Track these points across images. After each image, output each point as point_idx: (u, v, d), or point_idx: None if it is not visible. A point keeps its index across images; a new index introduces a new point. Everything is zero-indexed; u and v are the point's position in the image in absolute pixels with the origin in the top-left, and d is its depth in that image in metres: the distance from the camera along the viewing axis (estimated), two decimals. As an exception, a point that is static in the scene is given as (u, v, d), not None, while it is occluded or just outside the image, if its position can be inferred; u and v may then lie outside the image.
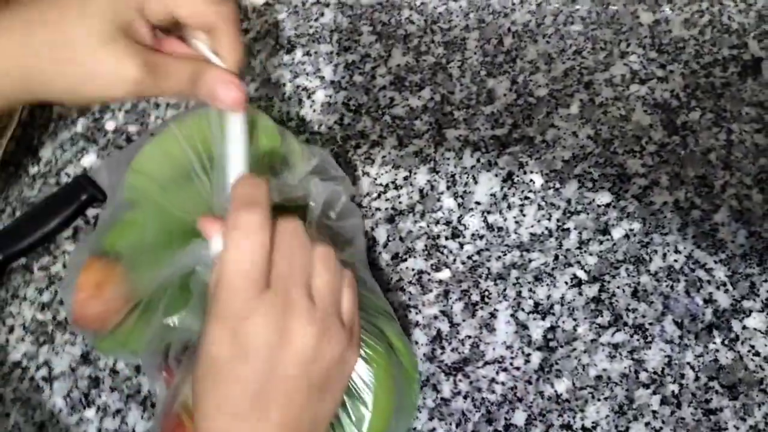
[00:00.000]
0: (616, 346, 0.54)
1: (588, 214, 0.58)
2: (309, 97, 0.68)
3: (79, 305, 0.49)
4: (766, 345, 0.52)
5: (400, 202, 0.62)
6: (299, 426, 0.36)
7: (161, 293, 0.45)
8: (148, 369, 0.49)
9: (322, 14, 0.73)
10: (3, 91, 0.37)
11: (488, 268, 0.58)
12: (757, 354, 0.52)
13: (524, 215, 0.59)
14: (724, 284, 0.55)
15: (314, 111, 0.67)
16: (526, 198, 0.60)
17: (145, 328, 0.46)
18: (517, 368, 0.54)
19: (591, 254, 0.57)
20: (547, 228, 0.59)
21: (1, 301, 0.64)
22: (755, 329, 0.53)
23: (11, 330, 0.62)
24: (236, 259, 0.34)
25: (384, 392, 0.46)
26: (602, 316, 0.55)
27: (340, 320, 0.37)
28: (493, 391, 0.54)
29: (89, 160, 0.68)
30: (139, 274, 0.46)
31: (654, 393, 0.52)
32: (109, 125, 0.70)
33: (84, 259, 0.49)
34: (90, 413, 0.58)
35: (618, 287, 0.55)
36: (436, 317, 0.57)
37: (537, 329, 0.55)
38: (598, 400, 0.52)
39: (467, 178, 0.62)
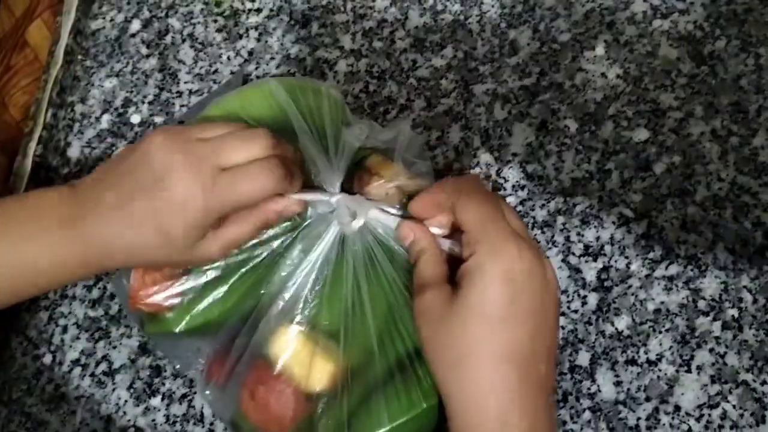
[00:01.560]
0: (671, 279, 0.54)
1: (627, 152, 0.59)
2: (331, 68, 0.68)
3: (137, 281, 0.49)
4: (819, 261, 0.53)
5: (436, 162, 0.62)
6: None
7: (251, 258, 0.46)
8: (185, 356, 0.49)
9: (333, -15, 0.73)
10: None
11: (533, 217, 0.58)
12: (812, 271, 0.53)
13: (563, 161, 0.60)
14: (771, 206, 0.55)
15: (338, 82, 0.67)
16: (563, 144, 0.60)
17: (224, 297, 0.47)
18: (575, 311, 0.55)
19: (635, 192, 0.57)
20: (587, 171, 0.59)
21: (51, 302, 0.64)
22: (807, 247, 0.53)
23: (65, 330, 0.62)
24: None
25: None
26: (654, 251, 0.55)
27: None
28: (554, 336, 0.54)
29: (119, 155, 0.68)
30: None
31: (714, 320, 0.52)
32: (135, 118, 0.70)
33: None
34: (156, 401, 0.58)
35: (666, 221, 0.56)
36: (487, 271, 0.57)
37: (590, 271, 0.55)
38: (660, 332, 0.53)
39: (501, 131, 0.62)
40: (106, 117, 0.71)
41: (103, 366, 0.61)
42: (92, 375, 0.61)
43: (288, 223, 0.47)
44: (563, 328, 0.54)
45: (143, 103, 0.70)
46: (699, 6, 0.64)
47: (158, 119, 0.69)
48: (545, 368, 0.38)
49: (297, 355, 0.45)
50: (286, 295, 0.45)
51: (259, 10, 0.73)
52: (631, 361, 0.52)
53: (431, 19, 0.68)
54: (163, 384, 0.59)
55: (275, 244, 0.46)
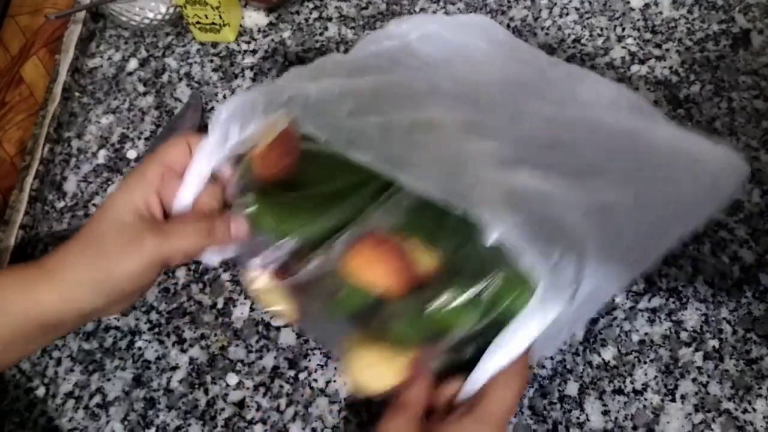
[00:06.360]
0: (654, 311, 0.56)
1: (610, 190, 0.61)
2: (324, 107, 0.70)
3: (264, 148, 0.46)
4: (793, 294, 0.55)
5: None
6: None
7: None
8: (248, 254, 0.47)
9: (326, 28, 0.76)
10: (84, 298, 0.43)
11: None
12: (786, 303, 0.55)
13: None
14: (747, 241, 0.58)
15: (331, 120, 0.69)
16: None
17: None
18: (564, 342, 0.56)
19: (618, 227, 0.60)
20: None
21: (44, 335, 0.64)
22: (781, 280, 0.56)
23: (59, 362, 0.62)
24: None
25: None
26: (637, 284, 0.57)
27: None
28: (544, 366, 0.56)
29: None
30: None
31: (696, 350, 0.55)
32: (131, 154, 0.71)
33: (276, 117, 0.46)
34: (150, 434, 0.59)
35: (648, 255, 0.58)
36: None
37: (577, 303, 0.58)
38: (645, 363, 0.55)
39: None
40: (102, 152, 0.72)
41: (97, 398, 0.61)
42: (86, 407, 0.61)
43: None
44: (552, 358, 0.56)
45: (140, 138, 0.72)
46: (674, 53, 0.68)
47: (155, 155, 0.71)
48: None
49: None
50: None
51: (254, 51, 0.75)
52: (618, 391, 0.54)
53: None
54: (157, 416, 0.59)
55: None
